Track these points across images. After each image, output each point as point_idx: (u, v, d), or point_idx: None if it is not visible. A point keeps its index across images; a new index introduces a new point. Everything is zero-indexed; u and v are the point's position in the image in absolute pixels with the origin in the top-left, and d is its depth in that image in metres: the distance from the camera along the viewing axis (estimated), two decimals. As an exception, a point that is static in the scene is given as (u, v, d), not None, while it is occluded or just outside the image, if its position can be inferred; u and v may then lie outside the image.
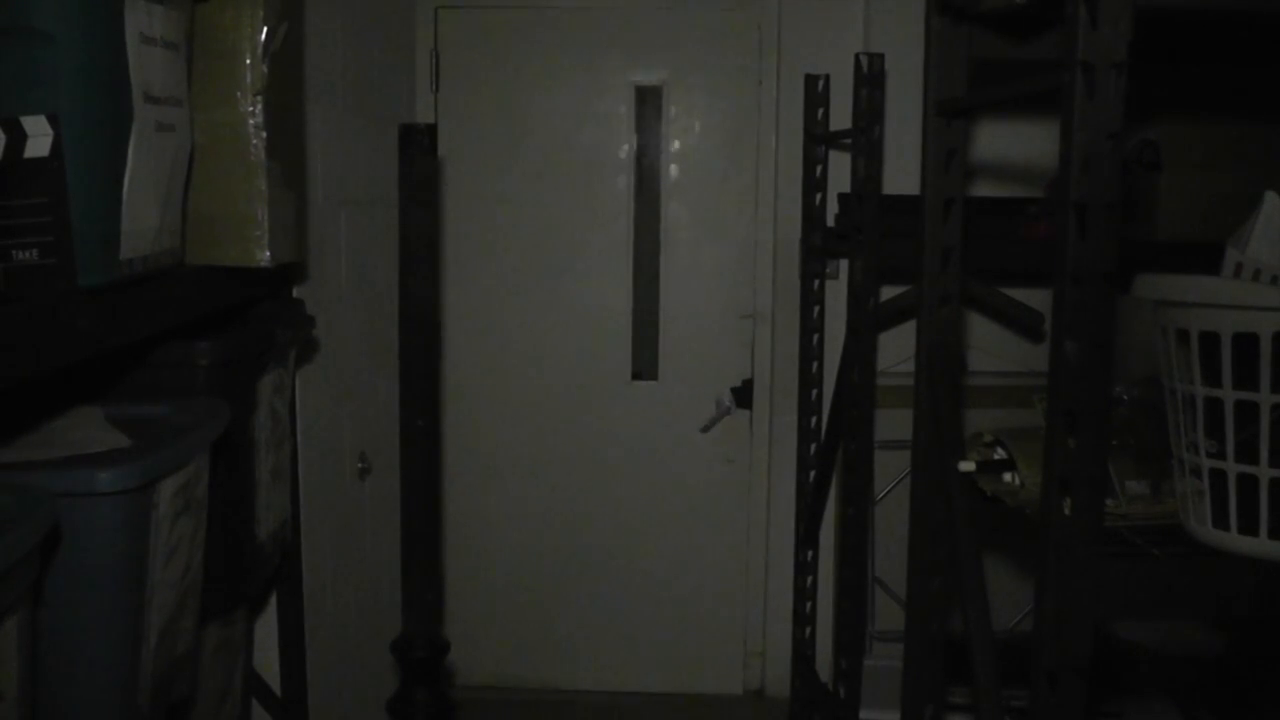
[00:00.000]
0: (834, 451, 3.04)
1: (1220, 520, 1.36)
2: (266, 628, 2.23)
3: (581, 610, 3.58)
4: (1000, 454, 1.64)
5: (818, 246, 3.14)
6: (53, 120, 1.10)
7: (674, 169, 3.58)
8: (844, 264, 3.18)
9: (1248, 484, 1.33)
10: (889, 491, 3.35)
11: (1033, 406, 1.68)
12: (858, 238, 2.61)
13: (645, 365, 3.64)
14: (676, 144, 3.58)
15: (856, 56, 2.61)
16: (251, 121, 1.52)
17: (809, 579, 3.25)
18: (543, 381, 3.60)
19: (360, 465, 2.82)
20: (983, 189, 3.32)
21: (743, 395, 3.62)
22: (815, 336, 3.20)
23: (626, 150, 3.57)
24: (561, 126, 3.56)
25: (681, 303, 3.58)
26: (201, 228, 1.52)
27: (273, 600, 2.23)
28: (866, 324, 2.63)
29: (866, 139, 2.57)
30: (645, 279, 3.62)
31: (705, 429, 3.61)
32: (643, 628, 3.65)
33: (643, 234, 3.60)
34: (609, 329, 3.61)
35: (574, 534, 3.66)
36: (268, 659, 2.22)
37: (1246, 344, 1.31)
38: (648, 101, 3.57)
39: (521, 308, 3.58)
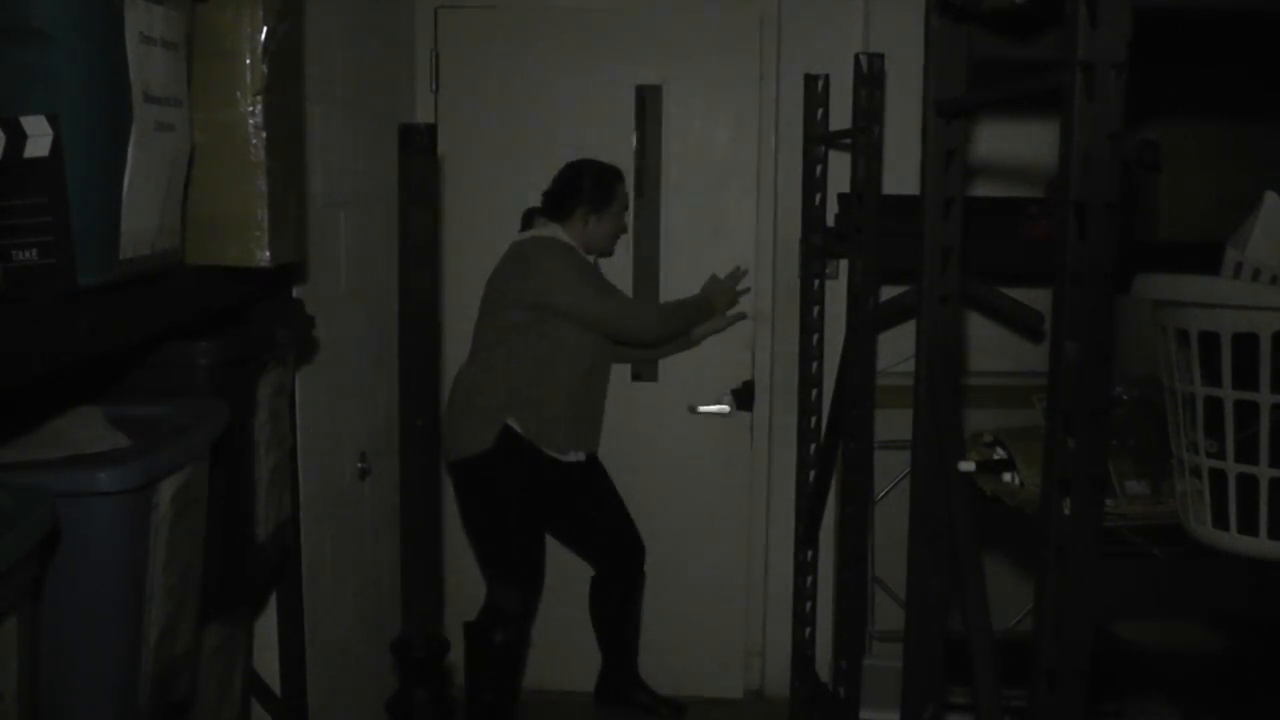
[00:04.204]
0: (834, 451, 3.04)
1: (1220, 520, 1.36)
2: (266, 628, 2.23)
3: (581, 609, 3.57)
4: (1000, 454, 1.64)
5: (818, 246, 3.14)
6: (53, 120, 1.10)
7: (674, 169, 3.58)
8: (844, 264, 3.18)
9: (1247, 484, 1.33)
10: (889, 491, 3.35)
11: (1033, 406, 1.68)
12: (858, 238, 2.61)
13: (645, 366, 3.64)
14: (676, 144, 3.58)
15: (856, 56, 2.61)
16: (251, 121, 1.52)
17: (809, 579, 3.25)
18: (543, 381, 3.59)
19: (360, 465, 2.82)
20: (983, 189, 3.32)
21: (743, 397, 3.62)
22: (815, 336, 3.20)
23: (626, 150, 3.57)
24: (562, 126, 3.56)
25: (681, 303, 3.58)
26: (201, 228, 1.52)
27: (273, 600, 2.23)
28: (866, 324, 2.63)
29: (866, 139, 2.57)
30: (645, 279, 3.62)
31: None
32: (643, 628, 3.65)
33: (643, 234, 3.60)
34: (609, 329, 3.60)
35: (574, 534, 3.66)
36: (268, 659, 2.22)
37: (1246, 344, 1.31)
38: (648, 101, 3.57)
39: (521, 308, 3.57)
